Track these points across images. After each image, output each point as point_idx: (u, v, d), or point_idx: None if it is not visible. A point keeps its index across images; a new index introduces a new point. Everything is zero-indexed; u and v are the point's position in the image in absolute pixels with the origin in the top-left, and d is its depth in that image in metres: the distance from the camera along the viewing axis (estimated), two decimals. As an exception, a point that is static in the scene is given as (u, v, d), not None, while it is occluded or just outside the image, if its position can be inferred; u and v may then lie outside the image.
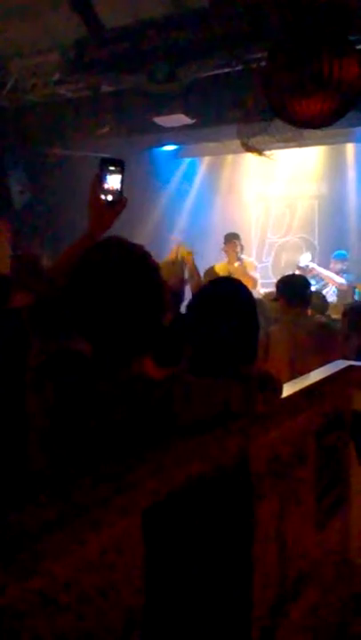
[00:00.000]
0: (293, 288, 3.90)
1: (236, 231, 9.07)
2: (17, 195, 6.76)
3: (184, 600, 1.14)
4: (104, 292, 1.32)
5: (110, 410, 1.27)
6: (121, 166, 1.69)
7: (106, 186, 1.67)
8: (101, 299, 1.32)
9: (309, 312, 4.09)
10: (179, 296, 3.29)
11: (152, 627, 1.03)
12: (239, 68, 4.91)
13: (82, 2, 4.75)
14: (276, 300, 4.04)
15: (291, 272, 6.75)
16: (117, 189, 1.68)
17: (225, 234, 6.98)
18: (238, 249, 6.67)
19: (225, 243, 6.77)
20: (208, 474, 1.23)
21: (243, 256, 6.79)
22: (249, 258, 7.12)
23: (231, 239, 6.78)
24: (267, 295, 5.22)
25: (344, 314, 4.09)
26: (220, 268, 6.25)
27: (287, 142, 6.05)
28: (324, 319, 4.20)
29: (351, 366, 2.26)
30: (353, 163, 8.41)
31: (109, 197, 1.67)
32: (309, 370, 2.19)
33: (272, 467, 1.54)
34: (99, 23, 4.89)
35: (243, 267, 6.42)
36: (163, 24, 4.89)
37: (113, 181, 1.68)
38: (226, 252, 6.67)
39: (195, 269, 4.15)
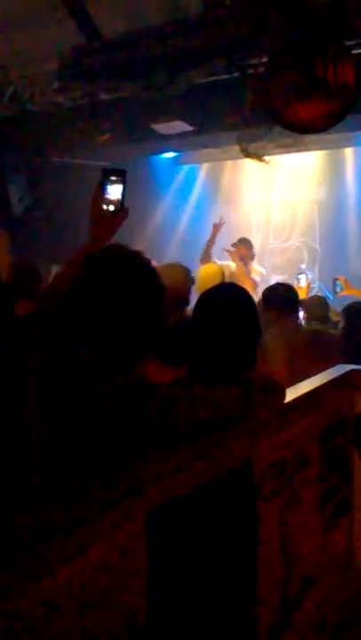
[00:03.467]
0: (281, 297, 3.87)
1: (237, 236, 9.07)
2: (16, 202, 6.78)
3: (188, 604, 1.14)
4: (103, 299, 1.33)
5: (111, 416, 1.27)
6: (123, 176, 1.69)
7: (107, 196, 1.68)
8: (100, 306, 1.32)
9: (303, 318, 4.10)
10: (183, 299, 3.28)
11: (156, 631, 1.03)
12: (237, 74, 4.92)
13: (79, 10, 4.77)
14: (266, 310, 4.00)
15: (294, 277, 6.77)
16: (119, 199, 1.68)
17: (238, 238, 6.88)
18: (245, 253, 6.65)
19: (233, 245, 6.76)
20: (211, 478, 1.22)
21: (254, 264, 6.68)
22: (259, 267, 6.97)
23: (238, 243, 6.77)
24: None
25: (343, 313, 4.11)
26: (219, 267, 6.21)
27: (286, 147, 6.07)
28: (319, 326, 4.19)
29: (353, 370, 2.25)
30: (352, 167, 8.42)
31: (111, 207, 1.68)
32: (308, 377, 2.18)
33: (276, 470, 1.54)
34: (96, 31, 4.91)
35: (245, 268, 6.38)
36: (160, 31, 4.91)
37: (114, 191, 1.68)
38: (229, 252, 6.64)
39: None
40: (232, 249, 6.50)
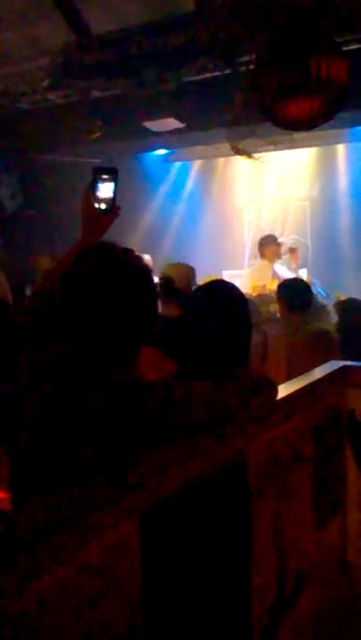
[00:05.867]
0: (294, 293, 3.87)
1: (229, 234, 9.10)
2: (8, 200, 6.76)
3: (183, 602, 1.13)
4: (94, 296, 1.32)
5: (103, 415, 1.26)
6: (114, 175, 1.69)
7: (99, 194, 1.67)
8: (91, 303, 1.32)
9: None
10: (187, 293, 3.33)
11: (153, 630, 1.02)
12: (228, 71, 4.92)
13: (70, 8, 4.75)
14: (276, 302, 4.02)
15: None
16: (110, 198, 1.68)
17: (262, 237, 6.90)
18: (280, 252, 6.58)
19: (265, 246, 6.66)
20: (206, 475, 1.22)
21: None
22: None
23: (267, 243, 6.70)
24: (257, 296, 5.23)
25: (337, 309, 4.11)
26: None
27: (277, 145, 6.07)
28: (325, 326, 4.14)
29: (347, 366, 2.26)
30: (344, 164, 8.44)
31: (102, 206, 1.67)
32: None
33: (270, 467, 1.54)
34: (87, 29, 4.90)
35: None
36: (150, 29, 4.90)
37: (106, 190, 1.68)
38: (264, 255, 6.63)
39: None
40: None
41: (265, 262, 6.63)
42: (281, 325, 3.94)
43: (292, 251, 6.78)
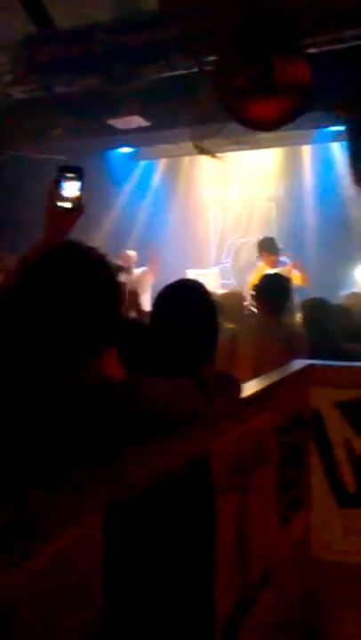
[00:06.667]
0: (270, 293, 3.80)
1: (194, 233, 9.08)
2: (-32, 197, 6.64)
3: (146, 601, 1.13)
4: (56, 295, 1.30)
5: (61, 414, 1.25)
6: (80, 174, 1.68)
7: (64, 193, 1.66)
8: (53, 302, 1.30)
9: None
10: None
11: (114, 630, 1.02)
12: (195, 70, 4.93)
13: (34, 3, 4.69)
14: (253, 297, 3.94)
15: (251, 273, 6.76)
16: (75, 197, 1.66)
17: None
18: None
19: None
20: (170, 473, 1.22)
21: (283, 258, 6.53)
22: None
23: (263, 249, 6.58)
24: (225, 296, 5.24)
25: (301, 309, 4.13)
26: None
27: (241, 145, 6.11)
28: (295, 327, 4.09)
29: (311, 365, 2.28)
30: (309, 164, 8.54)
31: (67, 205, 1.66)
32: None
33: (234, 464, 1.54)
34: (51, 24, 4.84)
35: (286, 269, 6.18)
36: (115, 26, 4.87)
37: (71, 189, 1.67)
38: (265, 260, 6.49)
39: None
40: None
41: (264, 266, 6.45)
42: (253, 325, 3.92)
43: (295, 266, 6.47)
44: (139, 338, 1.86)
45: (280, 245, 6.68)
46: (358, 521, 2.12)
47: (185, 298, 1.90)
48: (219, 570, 1.42)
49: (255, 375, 3.22)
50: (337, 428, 2.16)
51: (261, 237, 7.11)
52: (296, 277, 6.11)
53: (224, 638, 1.45)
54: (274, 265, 6.34)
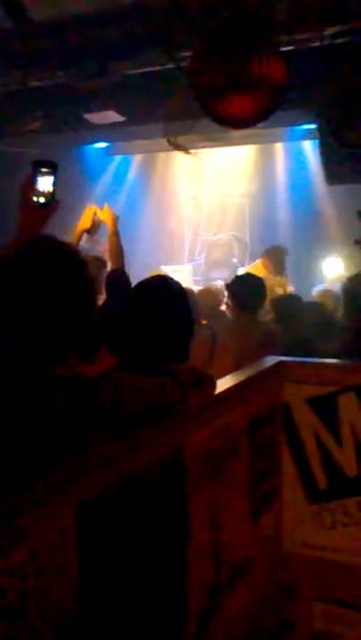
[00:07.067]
0: (245, 292, 3.78)
1: (168, 229, 9.06)
2: None
3: (119, 596, 1.13)
4: (30, 291, 1.29)
5: (33, 411, 1.24)
6: (54, 168, 1.67)
7: (38, 188, 1.65)
8: (27, 297, 1.29)
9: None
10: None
11: (86, 629, 1.02)
12: (170, 65, 4.92)
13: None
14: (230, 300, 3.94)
15: (223, 270, 6.80)
16: (50, 191, 1.66)
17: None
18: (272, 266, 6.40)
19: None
20: (143, 469, 1.22)
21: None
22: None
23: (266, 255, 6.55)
24: (200, 292, 5.26)
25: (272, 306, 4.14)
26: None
27: (215, 141, 6.12)
28: (273, 326, 4.09)
29: (282, 361, 2.30)
30: (282, 162, 8.60)
31: (41, 200, 1.66)
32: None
33: (207, 461, 1.55)
34: (25, 16, 4.78)
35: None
36: (91, 20, 4.84)
37: (45, 183, 1.66)
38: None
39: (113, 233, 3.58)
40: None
41: (261, 268, 6.43)
42: (232, 324, 3.93)
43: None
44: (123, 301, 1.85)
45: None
46: (328, 516, 2.15)
47: (160, 294, 1.90)
48: (191, 564, 1.43)
49: (235, 366, 3.23)
50: (308, 424, 2.19)
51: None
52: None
53: (196, 633, 1.46)
54: (269, 274, 6.31)
